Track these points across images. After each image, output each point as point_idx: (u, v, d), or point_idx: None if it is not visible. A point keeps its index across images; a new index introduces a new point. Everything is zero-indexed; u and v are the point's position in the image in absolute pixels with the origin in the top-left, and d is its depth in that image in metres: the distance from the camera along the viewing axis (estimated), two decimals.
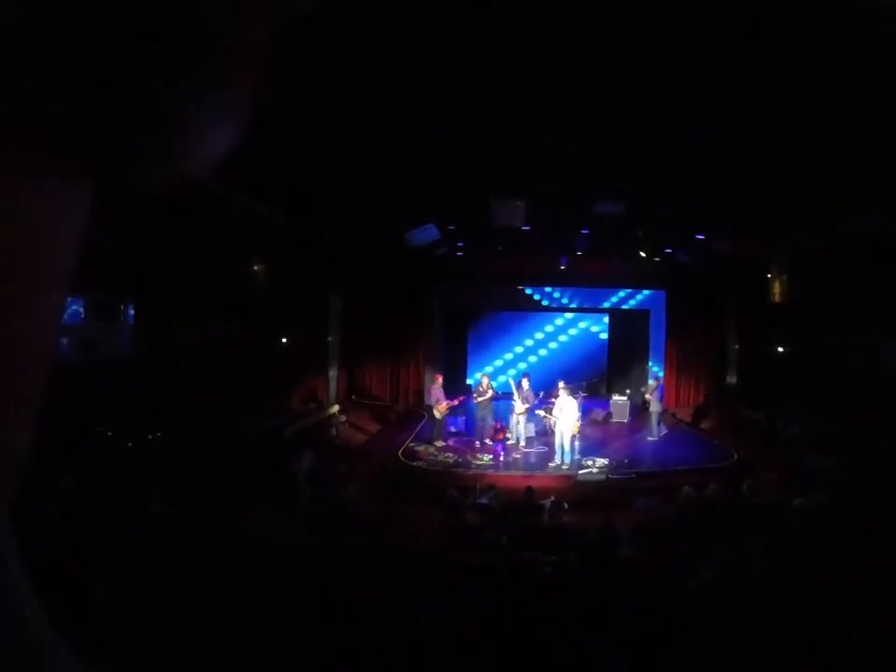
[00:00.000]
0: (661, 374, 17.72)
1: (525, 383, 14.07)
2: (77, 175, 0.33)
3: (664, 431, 14.90)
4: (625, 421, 16.30)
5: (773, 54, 5.21)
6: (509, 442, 13.79)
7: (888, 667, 3.45)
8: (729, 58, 5.36)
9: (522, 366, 20.11)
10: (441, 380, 14.74)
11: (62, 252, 0.34)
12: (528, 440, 13.77)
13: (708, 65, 5.54)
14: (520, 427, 13.79)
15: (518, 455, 13.06)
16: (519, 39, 5.28)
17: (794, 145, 7.53)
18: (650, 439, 14.70)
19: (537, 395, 13.94)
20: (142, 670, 3.45)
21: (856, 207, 9.75)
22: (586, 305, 20.18)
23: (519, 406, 13.70)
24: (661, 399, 15.20)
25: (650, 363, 19.56)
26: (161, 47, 0.30)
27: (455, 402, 14.64)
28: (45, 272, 0.34)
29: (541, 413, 13.47)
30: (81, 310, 9.21)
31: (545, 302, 20.02)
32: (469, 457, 12.93)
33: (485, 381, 14.36)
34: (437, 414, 14.19)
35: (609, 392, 18.53)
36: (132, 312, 10.38)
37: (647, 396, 15.42)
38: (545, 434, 13.64)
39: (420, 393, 18.29)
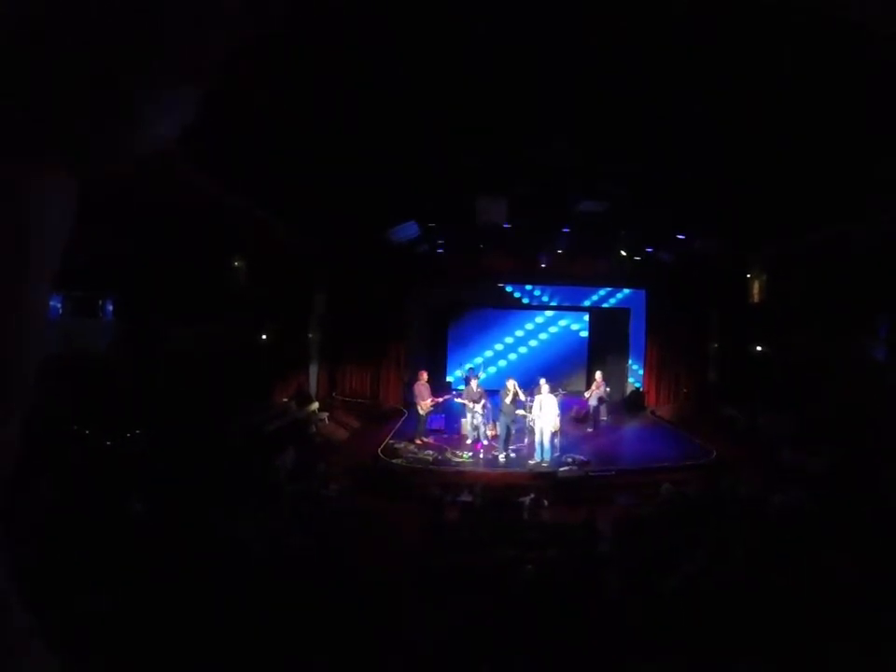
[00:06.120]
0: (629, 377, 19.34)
1: (474, 382, 14.12)
2: (58, 167, 0.33)
3: (592, 426, 15.84)
4: (605, 419, 16.40)
5: (758, 60, 5.26)
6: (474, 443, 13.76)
7: (866, 662, 3.49)
8: (715, 62, 5.40)
9: (502, 363, 20.16)
10: (426, 376, 14.67)
11: (48, 250, 0.34)
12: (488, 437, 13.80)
13: (695, 67, 5.57)
14: (482, 428, 13.81)
15: (498, 453, 12.98)
16: (504, 39, 5.29)
17: (778, 148, 7.60)
18: (588, 430, 15.66)
19: (485, 393, 13.97)
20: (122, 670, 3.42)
21: (836, 211, 9.87)
22: (566, 303, 20.24)
23: (469, 404, 13.80)
24: (601, 396, 16.07)
25: (629, 361, 19.74)
26: (130, 49, 0.32)
27: (441, 399, 14.64)
28: (32, 269, 0.33)
29: (521, 411, 13.43)
30: (59, 305, 9.07)
31: (526, 300, 20.03)
32: (448, 455, 12.93)
33: (510, 384, 13.16)
34: (420, 411, 14.21)
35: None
36: (111, 308, 10.25)
37: (586, 394, 16.51)
38: (521, 432, 13.62)
39: (401, 390, 18.26)
